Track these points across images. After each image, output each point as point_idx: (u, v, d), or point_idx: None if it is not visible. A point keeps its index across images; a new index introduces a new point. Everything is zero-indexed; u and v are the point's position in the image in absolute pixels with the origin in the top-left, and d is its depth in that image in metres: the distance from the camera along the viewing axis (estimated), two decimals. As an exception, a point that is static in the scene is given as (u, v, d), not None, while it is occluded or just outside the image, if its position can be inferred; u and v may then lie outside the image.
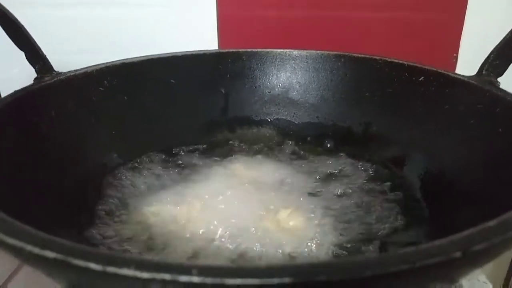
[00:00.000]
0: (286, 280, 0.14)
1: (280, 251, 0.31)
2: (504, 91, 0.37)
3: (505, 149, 0.33)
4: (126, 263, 0.15)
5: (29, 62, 0.39)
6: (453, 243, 0.16)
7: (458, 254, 0.16)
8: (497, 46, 0.39)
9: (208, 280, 0.15)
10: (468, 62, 0.61)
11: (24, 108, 0.36)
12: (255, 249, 0.31)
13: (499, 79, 0.39)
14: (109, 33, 0.61)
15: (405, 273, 0.16)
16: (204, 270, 0.15)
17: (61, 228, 0.32)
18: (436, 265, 0.16)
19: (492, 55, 0.39)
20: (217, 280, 0.15)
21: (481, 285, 0.40)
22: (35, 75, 0.39)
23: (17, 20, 0.38)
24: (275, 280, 0.14)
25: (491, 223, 0.18)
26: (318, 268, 0.15)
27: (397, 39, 0.63)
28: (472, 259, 0.17)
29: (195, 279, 0.15)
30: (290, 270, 0.15)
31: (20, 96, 0.36)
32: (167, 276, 0.15)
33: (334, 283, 0.15)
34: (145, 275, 0.15)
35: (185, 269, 0.15)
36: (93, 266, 0.15)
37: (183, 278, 0.15)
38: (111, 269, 0.15)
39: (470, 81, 0.40)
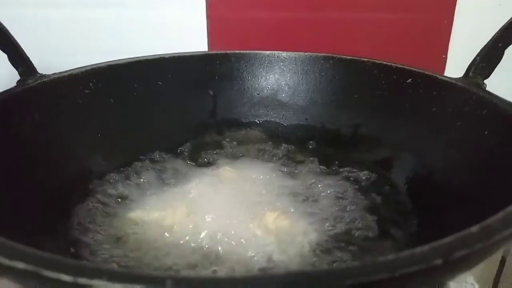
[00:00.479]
0: (263, 290, 0.14)
1: (266, 255, 0.31)
2: (490, 93, 0.37)
3: (491, 151, 0.33)
4: (97, 274, 0.15)
5: (12, 64, 0.39)
6: (434, 250, 0.16)
7: (439, 261, 0.16)
8: (483, 48, 0.39)
9: (182, 292, 0.14)
10: (457, 64, 0.62)
11: (6, 111, 0.35)
12: (240, 253, 0.31)
13: (485, 81, 0.39)
14: (96, 35, 0.60)
15: (385, 281, 0.15)
16: (178, 282, 0.15)
17: (43, 233, 0.32)
18: (416, 273, 0.16)
19: (478, 57, 0.39)
20: (191, 292, 0.14)
21: (469, 287, 0.40)
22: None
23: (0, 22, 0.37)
24: (251, 291, 0.14)
25: (473, 229, 0.17)
26: (296, 278, 0.15)
27: (386, 40, 0.63)
28: (453, 266, 0.17)
29: (169, 290, 0.14)
30: (266, 281, 0.14)
31: (2, 99, 0.35)
32: None
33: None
34: (117, 286, 0.15)
35: (158, 280, 0.15)
36: (64, 277, 0.15)
37: (156, 290, 0.14)
38: (82, 281, 0.15)
39: (457, 83, 0.40)
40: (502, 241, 0.17)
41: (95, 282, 0.15)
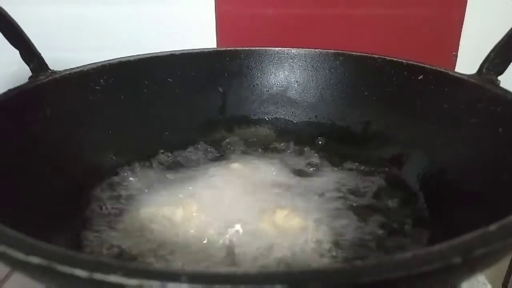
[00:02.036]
0: (278, 287, 0.14)
1: (276, 253, 0.31)
2: (505, 89, 0.36)
3: (505, 149, 0.33)
4: (113, 269, 0.15)
5: (24, 60, 0.39)
6: (453, 248, 0.16)
7: (457, 259, 0.15)
8: (497, 44, 0.39)
9: (197, 287, 0.14)
10: (467, 61, 0.61)
11: (18, 107, 0.35)
12: (250, 250, 0.31)
13: (499, 78, 0.39)
14: (106, 32, 0.60)
15: (402, 279, 0.15)
16: (193, 277, 0.14)
17: (55, 230, 0.32)
18: (434, 272, 0.15)
19: (492, 54, 0.39)
20: (207, 287, 0.14)
21: (481, 286, 0.39)
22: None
23: (11, 18, 0.37)
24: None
25: (492, 227, 0.17)
26: (310, 275, 0.15)
27: (396, 37, 0.62)
28: (472, 265, 0.17)
29: (184, 286, 0.14)
30: (280, 277, 0.14)
31: (14, 95, 0.35)
32: (155, 284, 0.14)
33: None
34: (133, 282, 0.15)
35: (174, 276, 0.14)
36: (79, 272, 0.15)
37: (172, 285, 0.14)
38: (98, 276, 0.15)
39: (470, 79, 0.39)
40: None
41: (111, 277, 0.15)
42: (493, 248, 0.16)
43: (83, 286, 0.15)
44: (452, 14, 0.61)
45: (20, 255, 0.16)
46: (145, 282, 0.15)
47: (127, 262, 0.17)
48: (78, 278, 0.15)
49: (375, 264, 0.15)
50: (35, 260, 0.16)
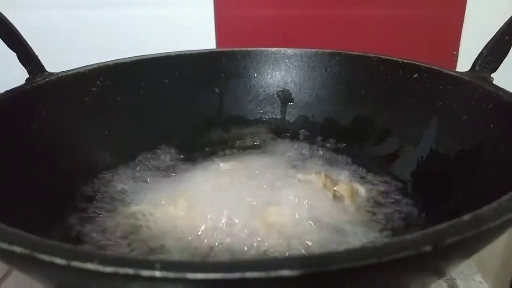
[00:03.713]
0: (248, 274, 0.14)
1: (267, 249, 0.31)
2: (496, 86, 0.36)
3: (496, 146, 0.33)
4: (89, 257, 0.15)
5: (21, 62, 0.40)
6: (424, 237, 0.16)
7: (428, 248, 0.16)
8: (490, 41, 0.39)
9: (170, 275, 0.15)
10: (468, 60, 0.60)
11: (15, 108, 0.36)
12: (241, 247, 0.31)
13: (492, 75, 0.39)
14: (104, 34, 0.61)
15: (373, 266, 0.15)
16: (167, 265, 0.15)
17: (49, 225, 0.32)
18: (405, 259, 0.16)
19: (485, 51, 0.39)
20: (179, 275, 0.15)
21: (477, 285, 0.39)
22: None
23: (9, 21, 0.38)
24: (237, 275, 0.14)
25: (465, 217, 0.17)
26: (283, 262, 0.15)
27: (396, 37, 0.62)
28: (443, 254, 0.17)
29: (157, 273, 0.15)
30: (252, 264, 0.14)
31: (11, 96, 0.36)
32: (130, 271, 0.15)
33: (298, 277, 0.15)
34: (108, 269, 0.15)
35: (148, 264, 0.15)
36: (58, 260, 0.15)
37: (146, 273, 0.15)
38: (75, 264, 0.15)
39: (463, 77, 0.39)
40: (494, 230, 0.17)
41: (87, 265, 0.15)
42: (465, 236, 0.16)
43: (62, 274, 0.16)
44: (452, 13, 0.61)
45: (3, 245, 0.17)
46: (120, 270, 0.15)
47: (103, 251, 0.18)
48: (57, 266, 0.15)
49: (347, 251, 0.15)
50: (17, 249, 0.16)
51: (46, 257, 0.16)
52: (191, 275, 0.15)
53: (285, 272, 0.15)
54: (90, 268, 0.15)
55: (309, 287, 0.15)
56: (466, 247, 0.18)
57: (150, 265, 0.15)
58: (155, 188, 0.40)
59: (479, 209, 0.18)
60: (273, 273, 0.14)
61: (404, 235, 0.16)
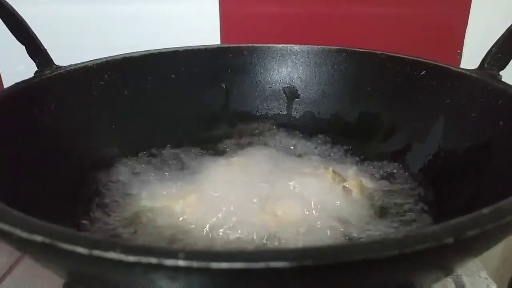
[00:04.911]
0: (273, 264, 0.14)
1: (275, 242, 0.31)
2: (506, 84, 0.36)
3: (504, 143, 0.33)
4: (112, 246, 0.15)
5: (30, 56, 0.40)
6: (446, 229, 0.16)
7: (450, 240, 0.16)
8: (499, 39, 0.39)
9: (194, 264, 0.15)
10: (472, 59, 0.60)
11: (24, 100, 0.36)
12: (249, 241, 0.31)
13: (501, 73, 0.39)
14: (111, 29, 0.61)
15: (395, 258, 0.15)
16: (191, 254, 0.15)
17: (56, 218, 0.32)
18: (426, 251, 0.16)
19: (494, 48, 0.39)
20: (203, 264, 0.15)
21: (483, 281, 0.39)
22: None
23: (18, 14, 0.38)
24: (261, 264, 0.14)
25: (485, 210, 0.17)
26: (305, 253, 0.15)
27: (400, 35, 0.62)
28: (464, 246, 0.17)
29: (181, 263, 0.15)
30: (277, 254, 0.15)
31: (20, 89, 0.36)
32: (153, 260, 0.15)
33: (322, 266, 0.15)
34: (131, 258, 0.15)
35: (172, 253, 0.15)
36: (80, 249, 0.15)
37: (169, 262, 0.15)
38: (97, 253, 0.15)
39: (472, 74, 0.39)
40: (514, 223, 0.17)
41: (109, 254, 0.15)
42: (485, 229, 0.16)
43: (83, 263, 0.16)
44: (456, 13, 0.61)
45: (24, 234, 0.16)
46: (143, 259, 0.15)
47: (125, 240, 0.18)
48: (78, 255, 0.15)
49: (368, 242, 0.15)
50: (39, 238, 0.16)
51: (68, 246, 0.16)
52: (215, 265, 0.15)
53: (309, 262, 0.15)
54: (112, 257, 0.15)
55: (332, 277, 0.15)
56: (486, 240, 0.18)
57: (174, 254, 0.15)
58: (161, 182, 0.40)
59: (498, 203, 0.18)
60: (297, 263, 0.14)
61: (421, 228, 0.16)
